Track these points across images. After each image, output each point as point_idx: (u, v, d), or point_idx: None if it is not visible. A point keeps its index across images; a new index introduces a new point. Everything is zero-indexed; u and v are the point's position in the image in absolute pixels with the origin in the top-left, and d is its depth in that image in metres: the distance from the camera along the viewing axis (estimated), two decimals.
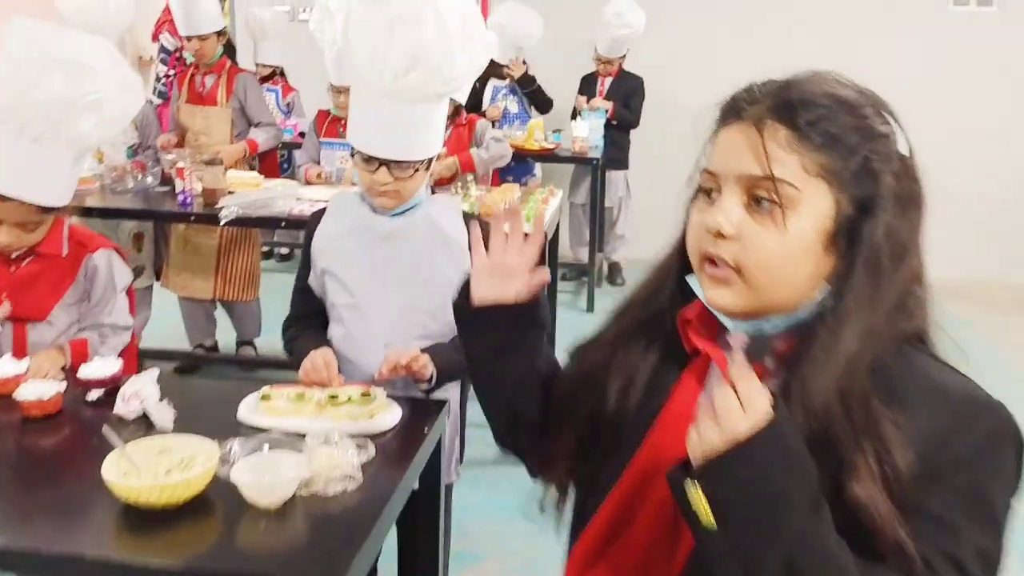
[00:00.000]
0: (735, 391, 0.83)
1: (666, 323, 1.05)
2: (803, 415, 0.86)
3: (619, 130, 5.59)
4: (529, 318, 1.14)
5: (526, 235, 1.14)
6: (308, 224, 2.15)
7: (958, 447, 0.86)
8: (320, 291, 2.11)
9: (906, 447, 0.85)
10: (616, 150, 5.57)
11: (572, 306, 5.37)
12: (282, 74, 6.09)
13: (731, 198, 0.92)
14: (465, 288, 1.15)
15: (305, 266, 2.13)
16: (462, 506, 2.83)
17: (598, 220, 5.41)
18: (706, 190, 0.96)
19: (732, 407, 0.82)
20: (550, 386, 1.16)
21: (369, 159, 1.97)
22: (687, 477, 0.84)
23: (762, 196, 0.90)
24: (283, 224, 3.58)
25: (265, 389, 1.84)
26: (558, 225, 4.38)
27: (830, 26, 6.00)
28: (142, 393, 1.80)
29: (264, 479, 1.52)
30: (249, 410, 1.82)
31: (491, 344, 1.15)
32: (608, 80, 5.64)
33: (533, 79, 5.57)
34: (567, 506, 1.16)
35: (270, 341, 4.60)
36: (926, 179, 0.94)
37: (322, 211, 2.15)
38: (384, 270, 2.04)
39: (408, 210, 2.05)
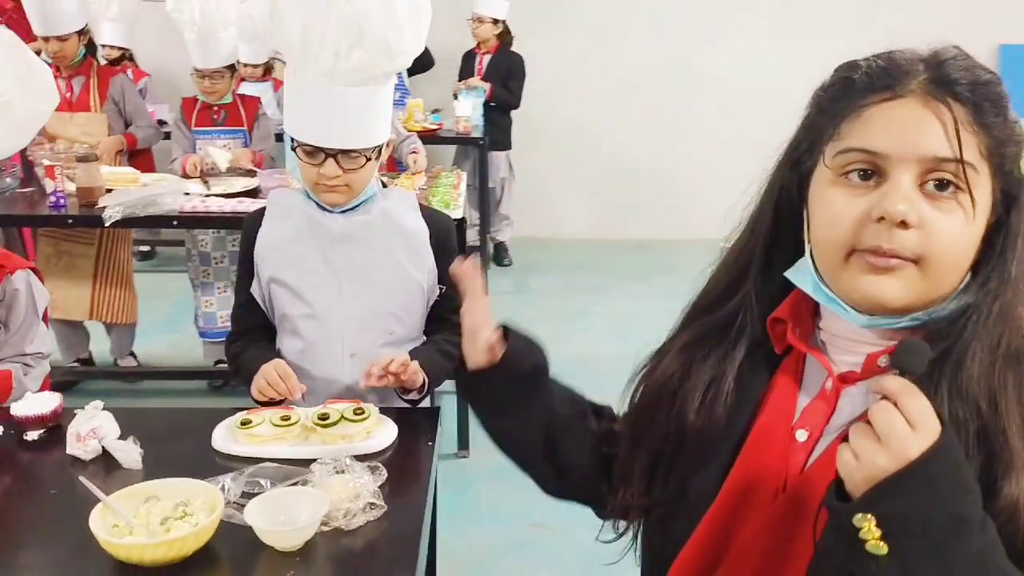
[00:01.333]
0: (896, 408, 0.75)
1: (747, 324, 0.97)
2: (960, 412, 0.81)
3: (499, 111, 5.50)
4: (508, 377, 1.09)
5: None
6: (245, 228, 1.94)
7: None
8: (266, 302, 1.92)
9: None
10: (497, 131, 5.48)
11: None
12: (131, 58, 5.64)
13: (907, 181, 0.82)
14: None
15: (247, 275, 1.92)
16: None
17: (488, 201, 5.32)
18: (852, 172, 0.85)
19: (898, 426, 0.74)
20: (584, 421, 1.13)
21: (314, 151, 1.79)
22: (845, 502, 0.76)
23: (946, 179, 0.82)
24: (175, 223, 3.30)
25: (243, 414, 1.66)
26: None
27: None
28: (100, 431, 1.58)
29: (279, 518, 1.36)
30: (226, 439, 1.64)
31: (490, 408, 1.13)
32: (487, 58, 5.54)
33: None
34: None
35: (147, 347, 4.26)
36: None
37: (260, 213, 1.94)
38: (342, 274, 1.87)
39: (361, 205, 1.88)
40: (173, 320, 4.73)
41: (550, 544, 2.89)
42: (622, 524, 1.08)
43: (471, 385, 1.11)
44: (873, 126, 0.85)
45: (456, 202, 3.40)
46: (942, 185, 0.82)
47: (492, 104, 5.41)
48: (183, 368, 4.13)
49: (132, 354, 4.13)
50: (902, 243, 0.82)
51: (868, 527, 0.73)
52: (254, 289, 1.90)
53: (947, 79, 0.83)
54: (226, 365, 3.92)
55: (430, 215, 1.96)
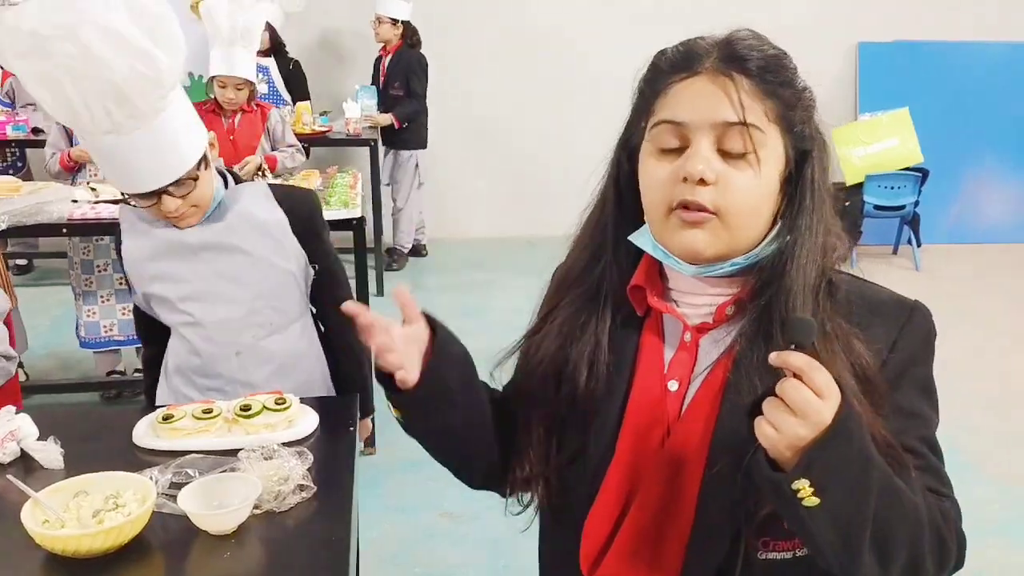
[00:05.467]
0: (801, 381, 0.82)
1: (609, 293, 1.08)
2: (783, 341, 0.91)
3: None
4: (430, 392, 1.06)
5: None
6: (115, 241, 1.94)
7: (907, 348, 1.00)
8: (148, 311, 1.93)
9: (872, 357, 0.96)
10: (410, 131, 5.59)
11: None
12: None
13: (705, 145, 0.95)
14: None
15: (131, 285, 1.94)
16: None
17: (380, 202, 5.36)
18: (663, 144, 0.99)
19: (810, 399, 0.82)
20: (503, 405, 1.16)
21: (146, 195, 1.75)
22: (775, 470, 0.85)
23: (734, 143, 0.95)
24: (64, 231, 3.23)
25: (163, 410, 1.68)
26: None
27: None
28: (18, 433, 1.58)
29: (212, 503, 1.40)
30: (148, 435, 1.66)
31: (440, 402, 1.09)
32: (388, 59, 5.60)
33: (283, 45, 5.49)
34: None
35: (32, 362, 4.11)
36: None
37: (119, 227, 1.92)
38: (214, 281, 1.86)
39: (212, 213, 1.85)
40: (57, 333, 4.58)
41: (459, 531, 2.97)
42: (526, 498, 1.15)
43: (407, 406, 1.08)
44: (675, 101, 0.99)
45: (354, 201, 3.44)
46: (731, 147, 0.96)
47: (406, 124, 5.53)
48: (74, 381, 4.01)
49: (21, 365, 3.98)
50: (703, 196, 0.95)
51: (803, 488, 0.83)
52: (136, 299, 1.93)
53: (735, 56, 0.97)
54: (119, 376, 3.88)
55: (286, 199, 1.92)
